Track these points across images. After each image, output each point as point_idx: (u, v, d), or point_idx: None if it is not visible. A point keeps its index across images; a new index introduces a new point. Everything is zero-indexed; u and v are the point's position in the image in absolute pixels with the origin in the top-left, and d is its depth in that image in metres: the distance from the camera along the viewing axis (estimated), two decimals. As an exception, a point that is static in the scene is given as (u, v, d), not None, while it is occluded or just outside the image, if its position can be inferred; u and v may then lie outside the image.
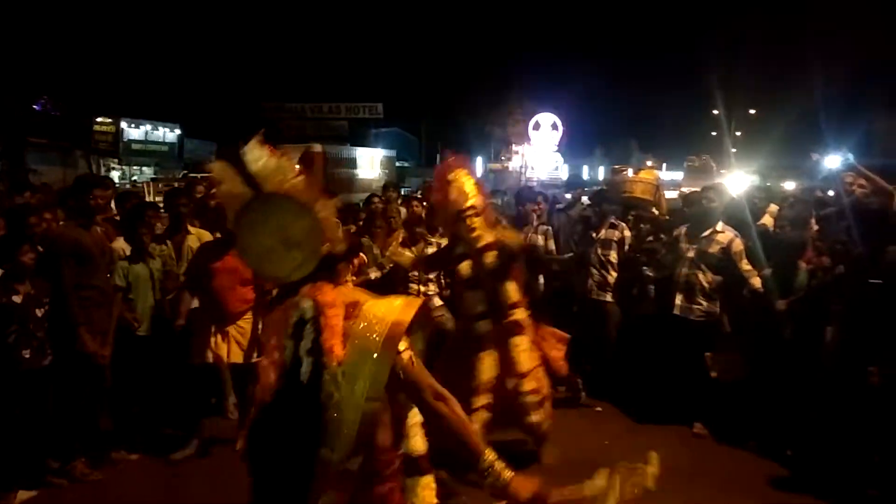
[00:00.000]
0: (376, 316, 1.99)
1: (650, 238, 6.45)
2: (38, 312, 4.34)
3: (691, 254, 5.48)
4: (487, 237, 4.45)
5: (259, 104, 30.63)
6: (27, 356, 4.24)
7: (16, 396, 4.23)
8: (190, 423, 5.12)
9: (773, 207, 6.13)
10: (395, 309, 2.03)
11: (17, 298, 4.26)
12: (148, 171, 27.14)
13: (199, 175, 10.55)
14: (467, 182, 4.48)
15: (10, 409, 4.22)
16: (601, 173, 32.00)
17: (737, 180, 14.46)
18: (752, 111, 37.71)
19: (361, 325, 1.97)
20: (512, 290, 4.49)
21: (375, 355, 1.91)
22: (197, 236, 5.49)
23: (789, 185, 12.11)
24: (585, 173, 31.49)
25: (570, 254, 6.74)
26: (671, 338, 5.51)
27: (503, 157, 31.83)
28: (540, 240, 6.80)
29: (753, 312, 5.33)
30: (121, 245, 5.20)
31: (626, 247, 6.25)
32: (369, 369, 1.89)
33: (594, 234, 6.31)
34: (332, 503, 1.85)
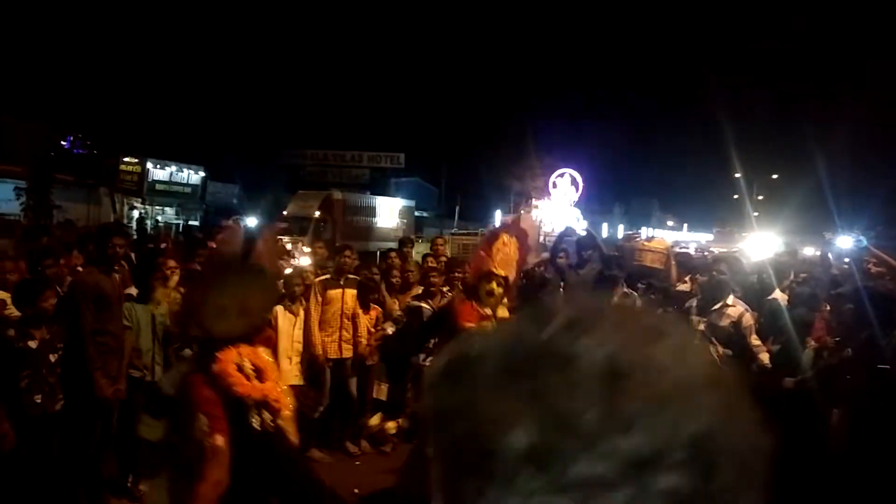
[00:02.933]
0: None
1: (659, 308, 6.46)
2: (52, 357, 4.41)
3: (702, 327, 5.48)
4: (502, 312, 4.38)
5: (281, 150, 31.22)
6: (38, 401, 4.29)
7: (23, 441, 4.28)
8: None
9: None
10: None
11: (32, 343, 4.33)
12: (170, 212, 27.59)
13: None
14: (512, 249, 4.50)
15: (17, 453, 4.26)
16: (620, 231, 32.06)
17: (759, 242, 14.45)
18: (774, 176, 37.81)
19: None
20: None
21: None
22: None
23: (809, 251, 12.08)
24: (605, 230, 31.55)
25: None
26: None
27: (522, 211, 32.01)
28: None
29: (761, 388, 5.28)
30: (133, 291, 5.30)
31: None
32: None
33: None
34: None
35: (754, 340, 5.33)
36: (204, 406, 2.58)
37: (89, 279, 4.79)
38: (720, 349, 5.39)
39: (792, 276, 6.95)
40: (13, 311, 4.53)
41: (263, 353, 2.85)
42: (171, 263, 5.86)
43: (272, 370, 2.86)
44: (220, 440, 2.52)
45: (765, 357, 5.24)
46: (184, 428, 2.65)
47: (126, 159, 25.45)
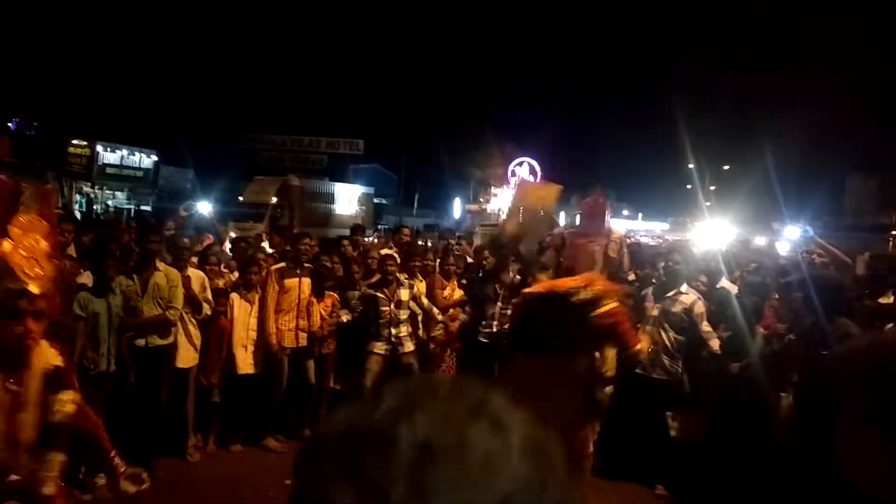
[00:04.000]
0: None
1: None
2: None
3: (655, 312, 5.60)
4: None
5: (238, 134, 30.68)
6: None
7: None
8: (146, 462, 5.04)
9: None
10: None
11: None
12: (121, 196, 26.90)
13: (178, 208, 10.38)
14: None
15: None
16: (577, 221, 32.46)
17: (711, 231, 14.78)
18: (726, 167, 38.71)
19: None
20: None
21: None
22: (165, 273, 5.47)
23: (760, 241, 12.42)
24: (562, 219, 31.90)
25: None
26: (633, 396, 5.59)
27: (481, 199, 32.17)
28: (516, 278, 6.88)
29: (712, 374, 5.44)
30: (85, 279, 5.16)
31: None
32: None
33: None
34: None
35: (705, 327, 5.47)
36: None
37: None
38: (672, 335, 5.52)
39: (743, 266, 7.16)
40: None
41: None
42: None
43: None
44: None
45: (715, 343, 5.39)
46: None
47: (75, 142, 24.70)
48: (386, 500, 0.51)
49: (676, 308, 5.55)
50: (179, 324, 5.55)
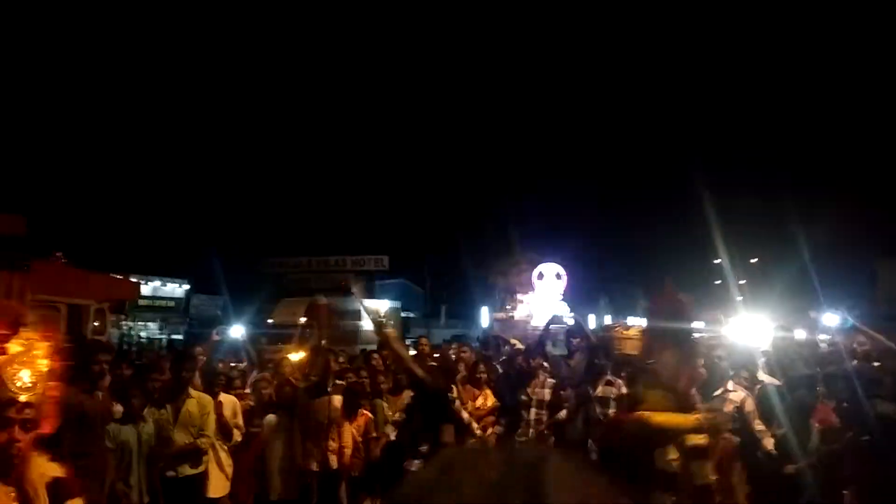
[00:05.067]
0: None
1: None
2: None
3: (704, 414, 5.35)
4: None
5: (264, 259, 31.35)
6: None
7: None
8: None
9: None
10: None
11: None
12: (153, 326, 27.26)
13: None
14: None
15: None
16: (607, 321, 32.04)
17: (748, 325, 14.37)
18: (753, 260, 38.42)
19: None
20: None
21: None
22: (197, 399, 5.42)
23: (800, 334, 12.05)
24: (592, 322, 31.55)
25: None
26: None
27: (508, 307, 32.04)
28: (547, 395, 6.71)
29: (769, 474, 5.13)
30: (119, 408, 5.12)
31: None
32: None
33: (591, 391, 6.22)
34: None
35: (758, 425, 5.21)
36: None
37: (71, 399, 4.62)
38: (729, 436, 5.25)
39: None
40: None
41: None
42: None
43: None
44: None
45: (769, 442, 5.11)
46: None
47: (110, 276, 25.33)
48: None
49: (727, 407, 5.31)
50: (211, 452, 5.44)
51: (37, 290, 12.56)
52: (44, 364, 2.46)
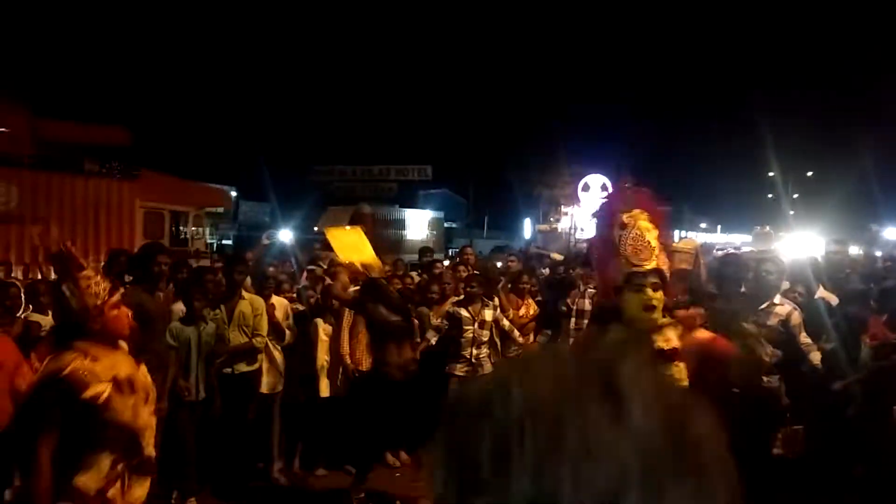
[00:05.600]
0: None
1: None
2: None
3: (751, 327, 5.32)
4: (672, 336, 2.99)
5: (310, 167, 31.50)
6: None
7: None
8: (236, 488, 5.13)
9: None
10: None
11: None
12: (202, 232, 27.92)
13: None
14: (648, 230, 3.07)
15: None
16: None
17: (799, 242, 14.09)
18: (810, 173, 37.07)
19: None
20: None
21: None
22: (250, 301, 5.60)
23: (854, 251, 11.74)
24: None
25: None
26: (731, 414, 5.32)
27: (552, 219, 31.85)
28: (587, 304, 6.71)
29: (813, 387, 5.12)
30: (179, 307, 5.33)
31: None
32: None
33: None
34: None
35: (804, 338, 5.15)
36: None
37: (132, 298, 4.82)
38: (770, 349, 5.22)
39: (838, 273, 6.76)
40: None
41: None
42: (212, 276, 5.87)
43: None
44: None
45: (816, 356, 5.06)
46: None
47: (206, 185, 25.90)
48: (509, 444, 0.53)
49: (772, 320, 5.26)
50: (264, 351, 5.67)
51: (145, 197, 14.11)
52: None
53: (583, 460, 0.51)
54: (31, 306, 5.20)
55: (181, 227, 15.13)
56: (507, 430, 0.53)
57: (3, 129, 12.80)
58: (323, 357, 5.98)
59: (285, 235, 9.63)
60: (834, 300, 5.79)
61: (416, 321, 6.35)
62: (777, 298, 5.35)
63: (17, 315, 5.06)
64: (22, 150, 12.67)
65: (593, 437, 0.52)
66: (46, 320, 4.81)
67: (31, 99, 14.41)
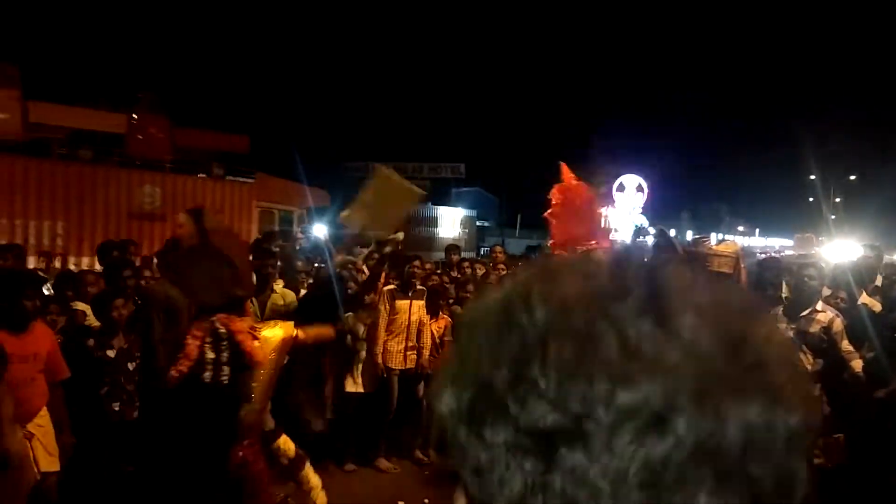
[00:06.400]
0: (266, 338, 3.80)
1: None
2: (130, 366, 4.52)
3: (791, 334, 5.17)
4: None
5: (343, 163, 31.70)
6: (117, 408, 4.40)
7: (104, 447, 4.38)
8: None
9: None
10: (277, 334, 3.87)
11: (110, 353, 4.45)
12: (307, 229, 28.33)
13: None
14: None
15: (97, 459, 4.37)
16: (689, 237, 31.18)
17: (839, 248, 13.72)
18: (852, 177, 36.11)
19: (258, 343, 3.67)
20: None
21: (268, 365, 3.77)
22: (282, 294, 5.63)
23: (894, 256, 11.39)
24: (673, 236, 30.76)
25: None
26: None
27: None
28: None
29: (854, 396, 4.97)
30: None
31: None
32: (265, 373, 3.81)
33: None
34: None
35: (846, 346, 5.00)
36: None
37: (159, 289, 4.89)
38: (811, 358, 5.08)
39: (880, 280, 6.55)
40: (94, 322, 4.67)
41: (239, 322, 3.67)
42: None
43: (245, 335, 3.65)
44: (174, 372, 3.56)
45: (857, 364, 4.92)
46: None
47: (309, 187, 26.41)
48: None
49: (814, 328, 5.10)
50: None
51: (260, 198, 16.41)
52: None
53: (619, 378, 0.43)
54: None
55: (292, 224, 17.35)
56: (527, 342, 0.46)
57: (148, 139, 15.04)
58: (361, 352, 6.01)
59: (319, 230, 9.68)
60: (877, 306, 5.61)
61: (450, 318, 6.34)
62: (819, 305, 5.21)
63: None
64: (164, 157, 14.99)
65: (633, 349, 0.44)
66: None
67: (171, 109, 16.66)
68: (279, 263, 6.13)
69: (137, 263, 6.13)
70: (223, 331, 3.62)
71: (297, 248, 7.17)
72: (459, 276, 7.39)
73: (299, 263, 6.18)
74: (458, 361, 0.50)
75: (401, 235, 5.60)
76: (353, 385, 5.98)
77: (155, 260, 7.09)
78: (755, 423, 0.43)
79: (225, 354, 3.61)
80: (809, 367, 5.09)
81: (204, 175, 15.43)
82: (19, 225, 11.90)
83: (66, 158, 13.29)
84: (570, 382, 0.44)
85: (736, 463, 0.43)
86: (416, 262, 6.40)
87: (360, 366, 6.00)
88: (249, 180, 16.64)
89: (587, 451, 0.43)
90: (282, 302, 5.58)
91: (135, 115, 15.27)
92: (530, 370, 0.45)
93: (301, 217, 17.88)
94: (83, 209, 12.81)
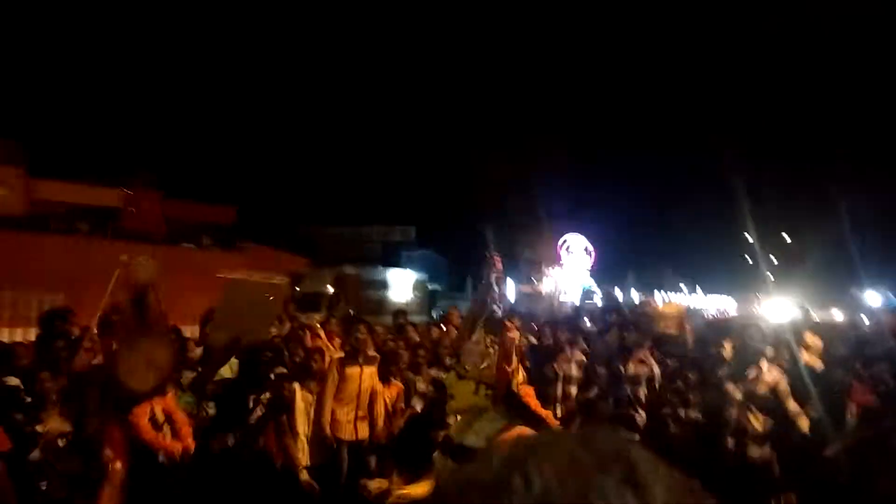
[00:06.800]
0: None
1: (677, 376, 6.19)
2: (60, 443, 4.27)
3: (739, 395, 5.24)
4: None
5: (293, 227, 31.53)
6: (43, 488, 4.12)
7: None
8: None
9: (815, 341, 5.96)
10: None
11: (40, 427, 4.21)
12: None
13: None
14: None
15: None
16: (634, 296, 31.77)
17: (777, 307, 14.16)
18: (789, 240, 37.64)
19: None
20: None
21: None
22: (229, 366, 5.45)
23: (837, 316, 11.77)
24: (619, 297, 31.25)
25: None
26: (724, 484, 5.18)
27: (534, 280, 31.90)
28: (574, 370, 6.60)
29: (803, 454, 5.04)
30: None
31: (657, 384, 5.99)
32: None
33: (623, 370, 6.09)
34: None
35: (792, 406, 5.10)
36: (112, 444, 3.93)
37: (94, 363, 4.70)
38: (760, 417, 5.14)
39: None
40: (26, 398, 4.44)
41: (172, 401, 4.05)
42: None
43: (179, 414, 4.06)
44: (118, 465, 3.81)
45: (804, 423, 5.00)
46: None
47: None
48: None
49: (762, 388, 5.19)
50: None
51: (245, 265, 16.00)
52: None
53: None
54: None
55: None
56: None
57: (142, 213, 16.54)
58: (301, 423, 5.78)
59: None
60: (818, 363, 5.77)
61: (402, 384, 6.21)
62: (764, 365, 5.31)
63: None
64: (156, 230, 16.23)
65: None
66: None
67: (162, 185, 18.21)
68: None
69: (76, 334, 5.87)
70: (160, 414, 3.86)
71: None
72: (416, 339, 7.28)
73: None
74: None
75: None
76: (303, 457, 5.77)
77: (94, 330, 6.80)
78: None
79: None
80: (759, 427, 5.15)
81: (193, 245, 16.67)
82: (20, 298, 12.31)
83: (65, 232, 14.23)
84: None
85: None
86: (361, 328, 6.26)
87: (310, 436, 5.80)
88: (233, 249, 17.98)
89: None
90: (230, 373, 5.40)
91: (129, 192, 16.68)
92: None
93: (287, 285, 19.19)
94: (80, 282, 13.15)
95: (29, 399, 4.35)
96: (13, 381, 4.74)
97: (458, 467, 0.61)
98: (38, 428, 4.21)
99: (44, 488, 4.12)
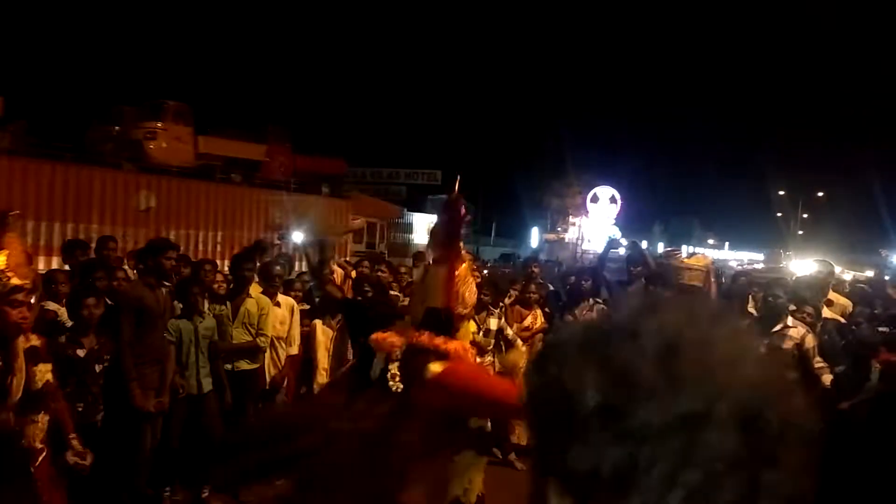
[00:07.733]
0: None
1: None
2: (97, 367, 4.41)
3: (762, 350, 5.24)
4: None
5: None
6: (80, 409, 4.28)
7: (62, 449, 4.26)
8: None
9: (839, 298, 5.91)
10: None
11: (80, 352, 4.34)
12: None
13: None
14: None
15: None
16: (660, 249, 31.56)
17: (805, 264, 13.99)
18: (820, 193, 36.86)
19: None
20: None
21: None
22: (256, 300, 5.55)
23: (866, 274, 11.61)
24: (644, 245, 31.04)
25: None
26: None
27: (559, 228, 31.78)
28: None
29: (824, 411, 5.06)
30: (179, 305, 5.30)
31: None
32: None
33: None
34: None
35: (817, 362, 5.09)
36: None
37: (132, 292, 4.81)
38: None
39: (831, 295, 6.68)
40: (67, 322, 4.57)
41: None
42: (219, 277, 5.86)
43: None
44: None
45: (827, 379, 5.00)
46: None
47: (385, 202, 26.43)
48: (632, 383, 0.56)
49: (787, 344, 5.17)
50: (269, 349, 5.62)
51: (354, 212, 20.64)
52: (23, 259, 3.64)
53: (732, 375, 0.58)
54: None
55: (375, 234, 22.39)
56: (633, 363, 0.57)
57: (277, 164, 20.59)
58: (322, 358, 5.90)
59: (298, 236, 9.61)
60: (841, 320, 5.73)
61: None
62: (790, 320, 5.28)
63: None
64: (287, 179, 19.72)
65: (730, 361, 0.59)
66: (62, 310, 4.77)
67: (293, 138, 21.94)
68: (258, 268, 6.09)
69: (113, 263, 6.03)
70: None
71: (277, 254, 7.08)
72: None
73: (277, 269, 6.09)
74: (545, 392, 0.61)
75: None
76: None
77: (127, 260, 6.97)
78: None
79: None
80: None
81: (316, 193, 19.59)
82: (192, 235, 15.15)
83: (223, 181, 17.41)
84: (684, 390, 0.57)
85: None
86: (382, 267, 6.31)
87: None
88: (346, 197, 21.26)
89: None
90: (255, 308, 5.50)
91: (268, 146, 20.44)
92: (637, 389, 0.57)
93: (382, 227, 22.75)
94: (234, 222, 16.29)
95: (70, 323, 4.49)
96: (52, 305, 4.90)
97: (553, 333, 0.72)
98: (79, 352, 4.34)
99: (80, 410, 4.28)
